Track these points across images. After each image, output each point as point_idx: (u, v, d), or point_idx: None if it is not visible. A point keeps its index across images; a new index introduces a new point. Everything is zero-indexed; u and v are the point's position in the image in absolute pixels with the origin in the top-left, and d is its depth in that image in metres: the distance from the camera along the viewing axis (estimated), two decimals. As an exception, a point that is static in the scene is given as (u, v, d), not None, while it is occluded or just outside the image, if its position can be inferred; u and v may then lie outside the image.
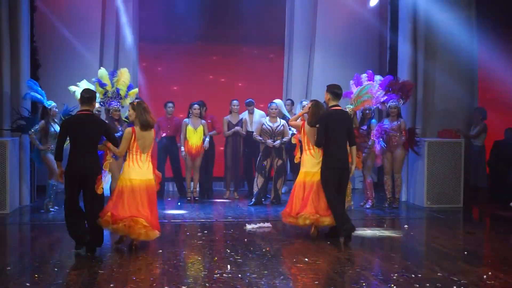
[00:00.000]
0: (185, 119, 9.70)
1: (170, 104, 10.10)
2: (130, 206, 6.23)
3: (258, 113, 10.12)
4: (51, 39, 10.51)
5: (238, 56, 11.91)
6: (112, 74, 8.90)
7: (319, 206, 6.95)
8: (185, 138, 9.60)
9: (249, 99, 10.16)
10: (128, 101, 8.84)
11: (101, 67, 9.33)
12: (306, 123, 7.23)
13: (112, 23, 10.93)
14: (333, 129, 6.87)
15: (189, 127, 9.57)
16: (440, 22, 9.91)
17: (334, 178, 6.86)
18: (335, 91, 7.00)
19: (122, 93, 8.87)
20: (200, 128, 9.58)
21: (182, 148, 9.60)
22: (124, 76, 8.95)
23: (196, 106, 9.62)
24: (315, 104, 7.23)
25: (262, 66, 11.76)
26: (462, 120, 10.03)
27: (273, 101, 9.70)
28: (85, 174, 6.17)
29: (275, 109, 9.49)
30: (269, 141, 9.33)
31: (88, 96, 6.35)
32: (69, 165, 6.20)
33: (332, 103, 7.00)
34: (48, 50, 10.42)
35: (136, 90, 9.24)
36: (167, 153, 10.12)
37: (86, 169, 6.16)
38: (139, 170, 6.38)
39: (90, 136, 6.24)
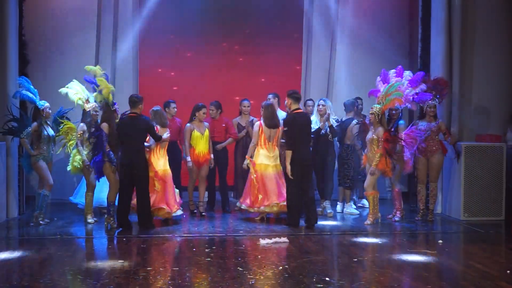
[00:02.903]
0: (187, 124, 9.45)
1: (173, 105, 9.83)
2: (156, 193, 8.74)
3: (280, 114, 9.68)
4: (42, 32, 10.57)
5: (250, 52, 11.84)
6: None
7: (278, 194, 8.96)
8: (190, 145, 9.44)
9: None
10: (99, 97, 8.61)
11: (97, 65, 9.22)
12: (263, 124, 9.10)
13: (110, 14, 10.95)
14: (297, 130, 8.54)
15: (196, 133, 9.37)
16: (479, 10, 9.84)
17: (298, 173, 8.52)
18: (295, 95, 8.72)
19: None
20: (207, 133, 9.44)
21: (188, 158, 9.39)
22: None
23: (204, 109, 9.41)
24: (265, 107, 9.10)
25: (277, 62, 11.72)
26: (504, 121, 9.91)
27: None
28: (132, 165, 8.35)
29: None
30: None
31: (132, 100, 8.47)
32: (121, 158, 8.49)
33: (293, 106, 8.67)
34: (39, 44, 10.49)
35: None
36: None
37: (133, 162, 8.37)
38: (157, 162, 8.84)
39: (134, 134, 8.39)
